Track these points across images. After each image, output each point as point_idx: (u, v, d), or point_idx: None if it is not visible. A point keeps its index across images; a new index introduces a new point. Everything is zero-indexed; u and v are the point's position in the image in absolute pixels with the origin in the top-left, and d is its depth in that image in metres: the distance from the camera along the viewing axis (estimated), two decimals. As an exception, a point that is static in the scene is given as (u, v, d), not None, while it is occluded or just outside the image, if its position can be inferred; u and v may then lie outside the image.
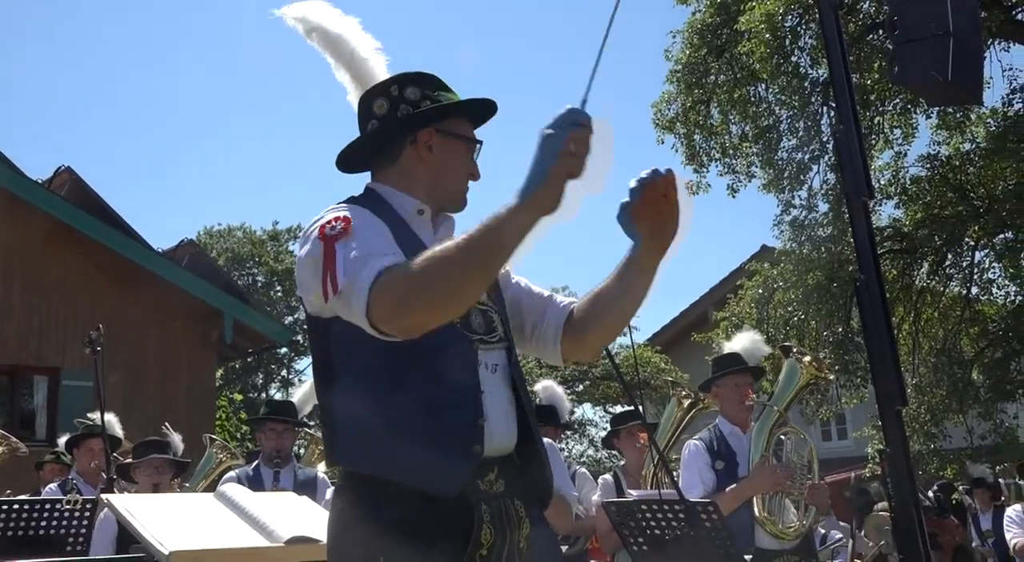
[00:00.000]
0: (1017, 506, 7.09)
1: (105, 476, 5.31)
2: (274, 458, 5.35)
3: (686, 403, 5.69)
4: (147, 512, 3.09)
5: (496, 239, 1.85)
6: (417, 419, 2.05)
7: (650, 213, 2.13)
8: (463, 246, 1.86)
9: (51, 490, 6.14)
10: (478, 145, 2.33)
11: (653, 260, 2.21)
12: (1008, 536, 6.82)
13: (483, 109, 2.37)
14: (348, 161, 2.36)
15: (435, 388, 2.07)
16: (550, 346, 2.35)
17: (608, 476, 5.65)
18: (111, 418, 6.40)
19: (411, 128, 2.27)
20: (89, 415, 6.46)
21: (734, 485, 4.44)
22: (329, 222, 2.05)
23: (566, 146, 1.77)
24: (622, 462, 5.84)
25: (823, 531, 6.41)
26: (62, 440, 7.64)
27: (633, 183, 2.10)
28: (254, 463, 5.52)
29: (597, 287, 2.30)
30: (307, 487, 5.04)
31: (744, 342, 5.00)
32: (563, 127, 1.79)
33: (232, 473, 5.51)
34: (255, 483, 5.16)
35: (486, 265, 1.90)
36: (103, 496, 3.66)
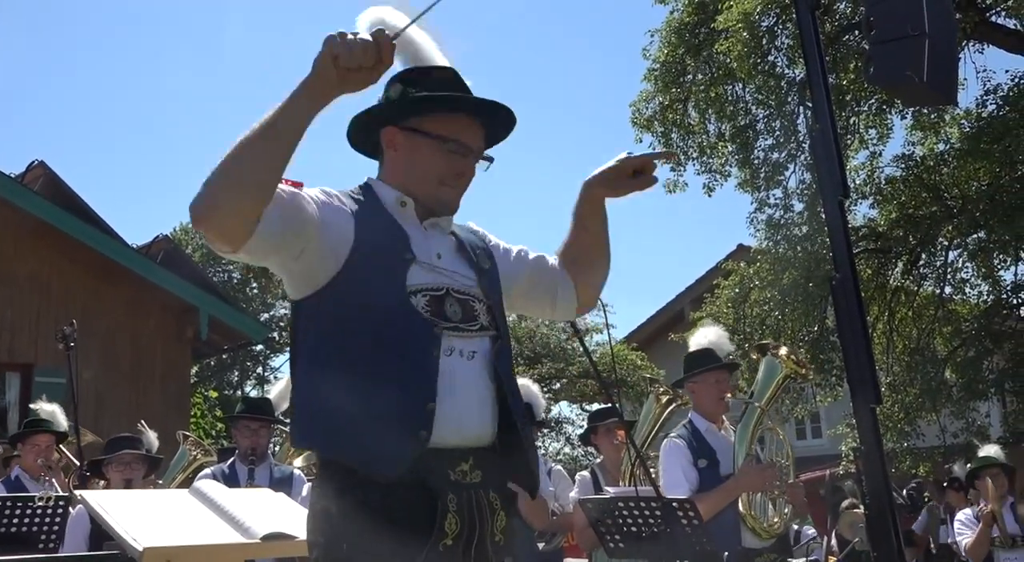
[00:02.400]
0: (968, 510, 7.21)
1: (60, 470, 5.26)
2: (249, 455, 5.33)
3: (664, 400, 5.70)
4: (121, 508, 3.06)
5: (277, 134, 1.96)
6: (366, 401, 2.05)
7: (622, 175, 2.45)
8: (249, 131, 1.95)
9: None
10: (467, 147, 2.27)
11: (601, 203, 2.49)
12: (959, 539, 6.93)
13: (474, 107, 2.30)
14: (360, 144, 2.41)
15: (385, 371, 2.07)
16: (571, 307, 2.55)
17: (586, 473, 5.65)
18: (55, 409, 6.28)
19: (379, 125, 2.29)
20: (32, 406, 6.36)
21: (724, 484, 4.41)
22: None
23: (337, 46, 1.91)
24: (599, 459, 5.84)
25: (796, 528, 6.46)
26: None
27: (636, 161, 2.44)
28: (230, 460, 5.50)
29: (567, 242, 2.53)
30: (282, 484, 5.03)
31: (711, 336, 4.94)
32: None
33: (208, 470, 5.48)
34: (230, 480, 5.14)
35: (266, 146, 1.95)
36: (77, 492, 3.64)
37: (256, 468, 5.29)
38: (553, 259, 2.54)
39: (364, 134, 2.35)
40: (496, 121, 2.35)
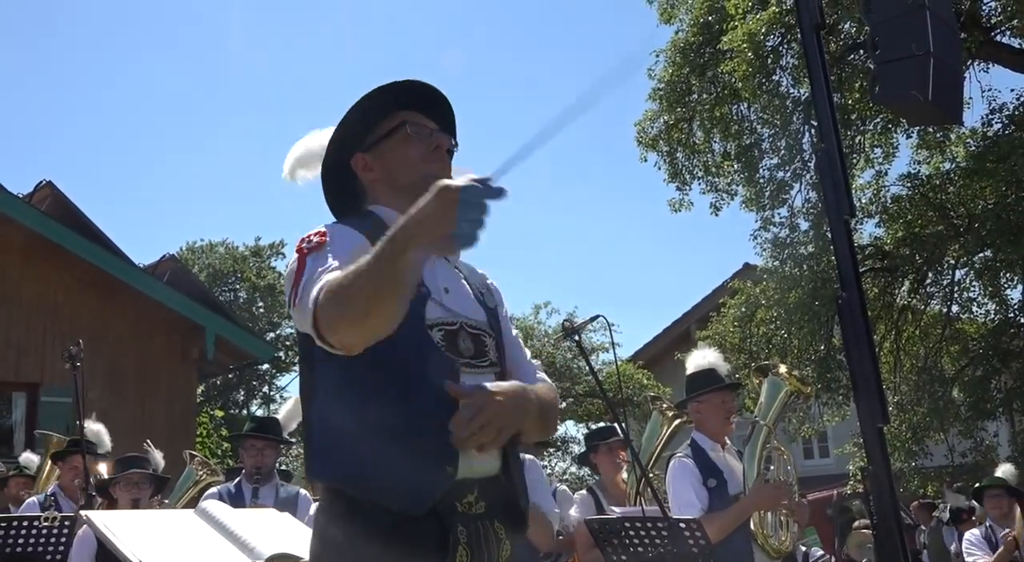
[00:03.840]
0: (976, 530, 7.19)
1: (85, 492, 5.26)
2: (254, 474, 5.32)
3: (670, 415, 5.67)
4: (127, 529, 3.06)
5: (395, 277, 1.83)
6: (391, 438, 2.04)
7: None
8: (363, 270, 1.84)
9: (30, 505, 6.08)
10: (423, 126, 2.29)
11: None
12: (970, 560, 6.90)
13: (406, 95, 2.31)
14: (339, 211, 2.39)
15: (410, 409, 2.06)
16: None
17: (585, 492, 5.61)
18: (100, 428, 6.32)
19: (345, 161, 2.32)
20: (81, 424, 6.39)
21: (738, 503, 4.38)
22: (307, 237, 2.12)
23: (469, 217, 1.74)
24: (597, 479, 5.80)
25: (804, 549, 6.43)
26: (24, 456, 7.60)
27: None
28: (236, 479, 5.48)
29: None
30: (288, 504, 5.01)
31: (710, 358, 4.93)
32: (476, 201, 1.73)
33: (214, 490, 5.46)
34: (236, 499, 5.13)
35: (393, 292, 1.86)
36: (82, 512, 3.62)
37: (261, 487, 5.28)
38: (530, 367, 2.39)
39: (338, 186, 2.37)
40: (438, 114, 2.36)
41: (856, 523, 10.99)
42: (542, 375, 2.39)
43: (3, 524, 4.34)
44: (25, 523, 4.37)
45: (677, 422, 5.63)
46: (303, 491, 5.55)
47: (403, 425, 2.05)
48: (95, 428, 6.27)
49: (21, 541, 4.30)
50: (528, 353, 2.43)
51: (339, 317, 1.91)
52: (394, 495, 2.02)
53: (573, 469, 25.23)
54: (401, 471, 2.02)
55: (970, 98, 13.09)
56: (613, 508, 4.74)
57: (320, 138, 2.39)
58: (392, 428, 2.05)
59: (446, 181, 1.77)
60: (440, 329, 2.15)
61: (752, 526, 4.38)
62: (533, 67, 51.82)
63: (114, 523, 3.11)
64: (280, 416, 6.41)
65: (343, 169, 2.34)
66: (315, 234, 2.11)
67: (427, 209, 1.77)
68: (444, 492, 2.04)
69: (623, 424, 4.14)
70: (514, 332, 2.44)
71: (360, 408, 2.07)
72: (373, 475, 2.04)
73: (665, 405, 5.80)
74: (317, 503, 2.28)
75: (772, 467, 4.57)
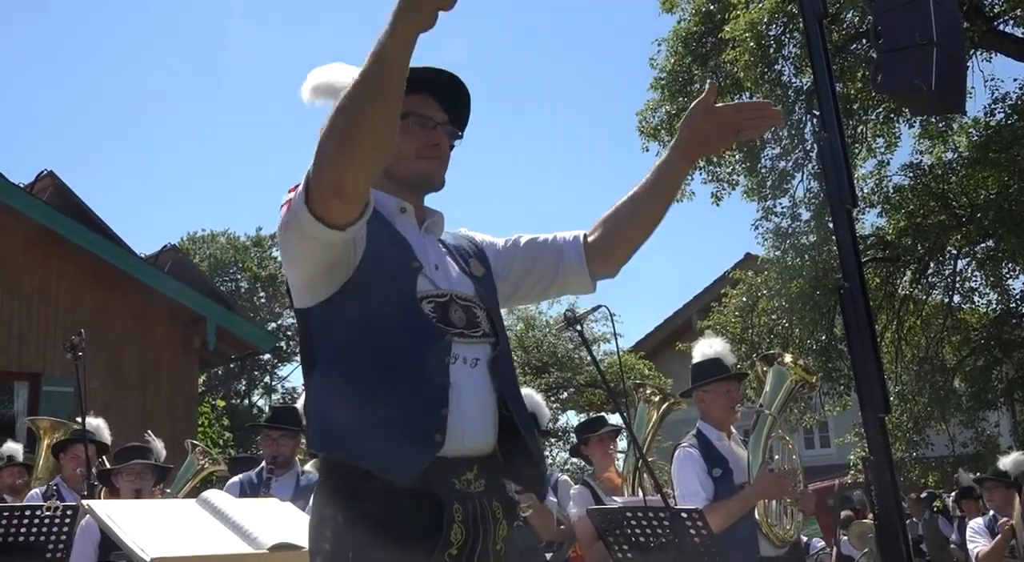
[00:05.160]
0: (980, 519, 7.27)
1: (87, 482, 5.28)
2: (270, 464, 5.37)
3: (656, 400, 5.67)
4: (128, 518, 3.06)
5: (380, 59, 1.86)
6: (380, 406, 2.05)
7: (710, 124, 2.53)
8: (356, 78, 1.89)
9: (33, 496, 6.10)
10: (428, 118, 2.26)
11: (686, 166, 2.57)
12: (971, 546, 7.01)
13: (421, 81, 2.24)
14: None
15: (400, 377, 2.07)
16: (579, 278, 2.48)
17: (580, 487, 5.59)
18: (100, 423, 6.37)
19: None
20: (79, 419, 6.43)
21: (742, 491, 4.38)
22: (295, 186, 2.09)
23: None
24: (590, 471, 5.80)
25: (805, 539, 6.44)
26: (7, 444, 7.63)
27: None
28: (257, 468, 5.53)
29: (627, 196, 2.49)
30: (307, 493, 5.00)
31: (716, 347, 4.92)
32: None
33: (235, 479, 5.51)
34: (257, 489, 5.20)
35: (380, 86, 1.88)
36: (84, 502, 3.62)
37: (277, 477, 5.31)
38: (550, 236, 2.50)
39: None
40: (453, 97, 2.33)
41: (843, 514, 11.01)
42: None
43: (5, 513, 4.34)
44: (27, 512, 4.37)
45: (664, 406, 5.65)
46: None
47: (393, 394, 2.06)
48: (95, 423, 6.29)
49: (24, 530, 4.30)
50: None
51: (334, 149, 1.91)
52: (383, 461, 2.02)
53: (575, 459, 25.26)
54: (391, 438, 2.03)
55: (972, 88, 13.07)
56: (615, 498, 4.74)
57: (342, 73, 2.32)
58: (383, 396, 2.06)
59: None
60: (431, 301, 2.17)
61: (756, 515, 4.39)
62: (534, 58, 51.72)
63: (116, 512, 3.10)
64: (299, 405, 6.42)
65: None
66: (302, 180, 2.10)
67: None
68: (432, 461, 2.04)
69: (625, 414, 4.11)
70: (511, 239, 2.50)
71: (354, 378, 2.09)
72: (364, 442, 2.04)
73: (649, 391, 5.81)
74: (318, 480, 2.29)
75: (776, 456, 4.57)
